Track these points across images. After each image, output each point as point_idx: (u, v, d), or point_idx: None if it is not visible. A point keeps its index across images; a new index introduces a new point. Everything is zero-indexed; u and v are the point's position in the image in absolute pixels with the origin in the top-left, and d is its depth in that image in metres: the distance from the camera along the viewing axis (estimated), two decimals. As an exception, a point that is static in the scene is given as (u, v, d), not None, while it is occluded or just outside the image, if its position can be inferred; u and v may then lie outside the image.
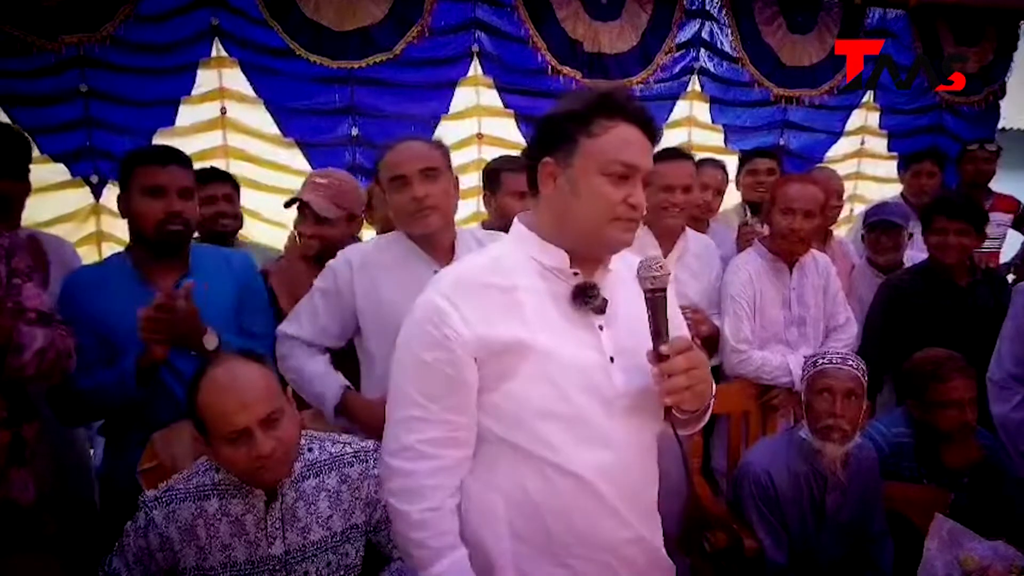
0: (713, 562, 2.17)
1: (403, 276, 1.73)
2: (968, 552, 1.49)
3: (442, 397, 1.16)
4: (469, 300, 1.15)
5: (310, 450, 1.47)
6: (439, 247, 1.80)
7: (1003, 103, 4.15)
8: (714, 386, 1.30)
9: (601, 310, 1.19)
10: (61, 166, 2.90)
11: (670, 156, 2.40)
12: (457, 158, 3.30)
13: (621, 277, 1.22)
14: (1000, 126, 4.23)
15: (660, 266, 1.12)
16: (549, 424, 1.15)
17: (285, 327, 1.90)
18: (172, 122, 2.98)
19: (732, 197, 3.17)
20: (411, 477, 1.17)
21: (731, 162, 3.43)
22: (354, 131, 3.20)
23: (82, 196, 2.96)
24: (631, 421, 1.19)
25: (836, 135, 4.01)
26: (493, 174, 2.51)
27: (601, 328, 1.19)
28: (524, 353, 1.14)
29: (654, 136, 1.19)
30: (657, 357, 1.11)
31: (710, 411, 1.33)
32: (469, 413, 1.18)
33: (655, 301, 1.12)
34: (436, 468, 1.17)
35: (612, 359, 1.18)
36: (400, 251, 1.81)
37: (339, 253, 1.88)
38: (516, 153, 2.81)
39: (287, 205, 2.22)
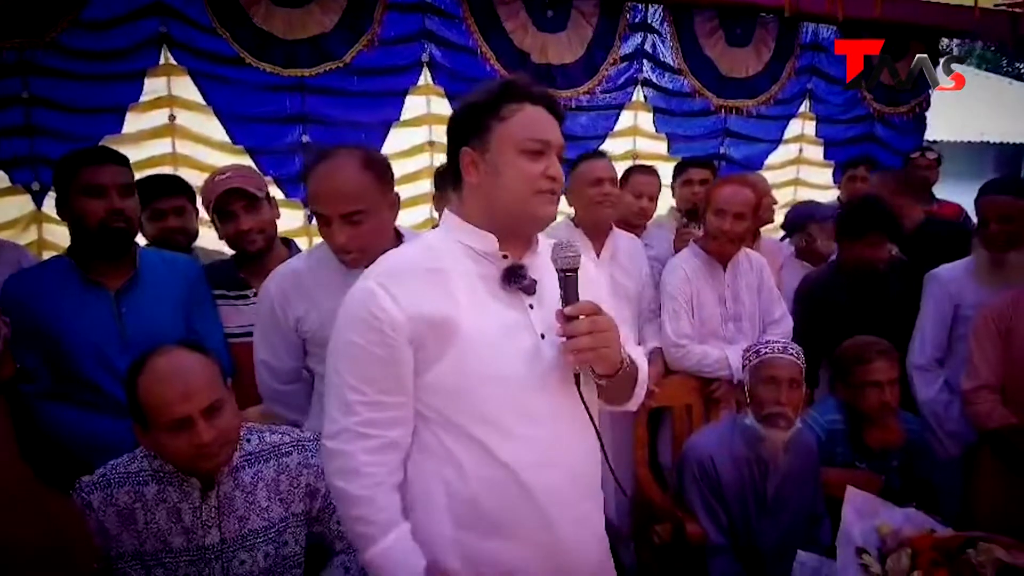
0: (660, 555, 2.22)
1: (342, 288, 1.62)
2: (883, 520, 1.58)
3: (376, 379, 1.19)
4: (400, 283, 1.19)
5: (248, 440, 1.48)
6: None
7: (928, 115, 4.40)
8: (638, 361, 1.34)
9: (530, 290, 1.25)
10: (1, 173, 2.85)
11: (590, 157, 2.59)
12: (408, 165, 3.35)
13: (547, 261, 1.27)
14: (925, 138, 4.47)
15: (572, 247, 1.20)
16: (485, 402, 1.19)
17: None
18: (119, 129, 2.94)
19: (665, 201, 3.27)
20: (349, 457, 1.20)
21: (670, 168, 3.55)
22: (305, 138, 3.20)
23: (23, 203, 2.90)
24: (565, 395, 1.22)
25: (775, 143, 4.16)
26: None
27: (532, 307, 1.25)
28: (455, 330, 1.18)
29: (558, 115, 1.28)
30: (564, 319, 1.17)
31: (640, 386, 1.36)
32: (405, 392, 1.21)
33: (567, 280, 1.19)
34: (374, 447, 1.20)
35: (543, 336, 1.23)
36: (333, 265, 1.69)
37: (270, 277, 1.78)
38: None
39: (215, 214, 2.05)
